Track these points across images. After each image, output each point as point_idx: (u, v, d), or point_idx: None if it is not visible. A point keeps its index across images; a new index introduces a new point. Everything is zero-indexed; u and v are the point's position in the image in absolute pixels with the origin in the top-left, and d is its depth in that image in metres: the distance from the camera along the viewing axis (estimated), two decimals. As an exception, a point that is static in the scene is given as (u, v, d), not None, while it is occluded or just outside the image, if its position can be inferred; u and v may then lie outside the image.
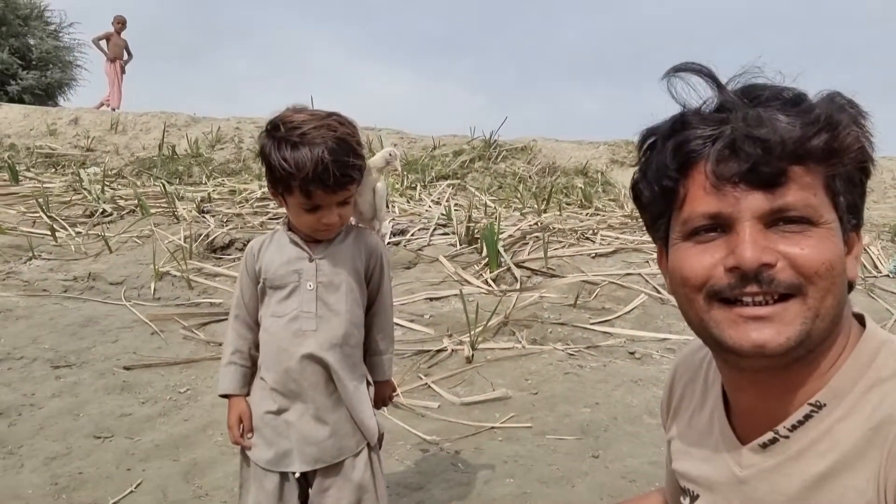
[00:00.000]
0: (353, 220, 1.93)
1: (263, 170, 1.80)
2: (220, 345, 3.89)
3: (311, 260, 1.81)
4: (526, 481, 2.62)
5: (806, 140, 0.82)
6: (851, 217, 0.87)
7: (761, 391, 0.92)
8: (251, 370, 1.88)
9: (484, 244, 4.88)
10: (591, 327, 3.98)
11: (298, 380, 1.77)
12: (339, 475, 1.80)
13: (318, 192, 1.67)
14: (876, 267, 4.82)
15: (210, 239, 5.11)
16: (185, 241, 4.97)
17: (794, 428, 0.89)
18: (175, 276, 4.58)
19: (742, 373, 0.93)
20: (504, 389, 3.30)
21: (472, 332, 3.73)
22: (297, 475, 1.80)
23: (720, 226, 0.84)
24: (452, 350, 3.70)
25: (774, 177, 0.81)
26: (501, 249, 4.77)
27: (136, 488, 2.52)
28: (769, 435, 0.91)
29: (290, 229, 1.85)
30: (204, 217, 5.69)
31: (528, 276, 4.67)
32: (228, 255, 4.98)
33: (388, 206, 1.95)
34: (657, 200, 0.89)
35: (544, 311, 4.18)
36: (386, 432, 1.92)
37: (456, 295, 4.32)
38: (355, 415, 1.80)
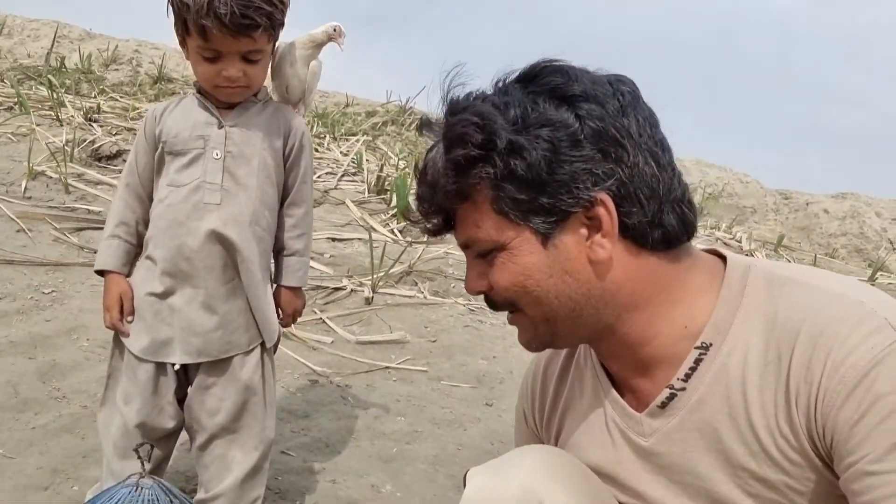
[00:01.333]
0: (275, 97, 1.74)
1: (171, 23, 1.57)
2: (96, 252, 3.56)
3: (220, 126, 1.60)
4: (417, 420, 2.52)
5: (439, 192, 0.86)
6: (546, 217, 0.82)
7: (627, 358, 0.89)
8: (136, 250, 1.65)
9: (394, 195, 4.72)
10: (494, 287, 3.92)
11: (192, 259, 1.56)
12: (225, 374, 1.61)
13: (215, 34, 1.46)
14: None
15: (96, 146, 4.66)
16: (66, 145, 4.51)
17: (687, 377, 0.83)
18: (52, 177, 4.13)
19: (597, 345, 0.93)
20: (402, 333, 3.17)
21: (375, 276, 3.57)
22: (177, 367, 1.60)
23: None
24: (352, 290, 3.53)
25: (437, 231, 0.92)
26: (412, 202, 4.63)
27: (-20, 381, 2.21)
28: (665, 392, 0.85)
29: (199, 93, 1.64)
30: (91, 125, 5.19)
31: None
32: (114, 165, 4.55)
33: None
34: (434, 230, 0.97)
35: (449, 266, 4.08)
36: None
37: (360, 239, 4.15)
38: (257, 307, 1.61)
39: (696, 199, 5.06)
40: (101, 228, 3.66)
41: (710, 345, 0.81)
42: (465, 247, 0.90)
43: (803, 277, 0.81)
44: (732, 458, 0.79)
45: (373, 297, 3.46)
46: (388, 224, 4.50)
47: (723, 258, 0.88)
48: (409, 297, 3.61)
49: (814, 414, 0.73)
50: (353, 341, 3.06)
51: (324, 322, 3.18)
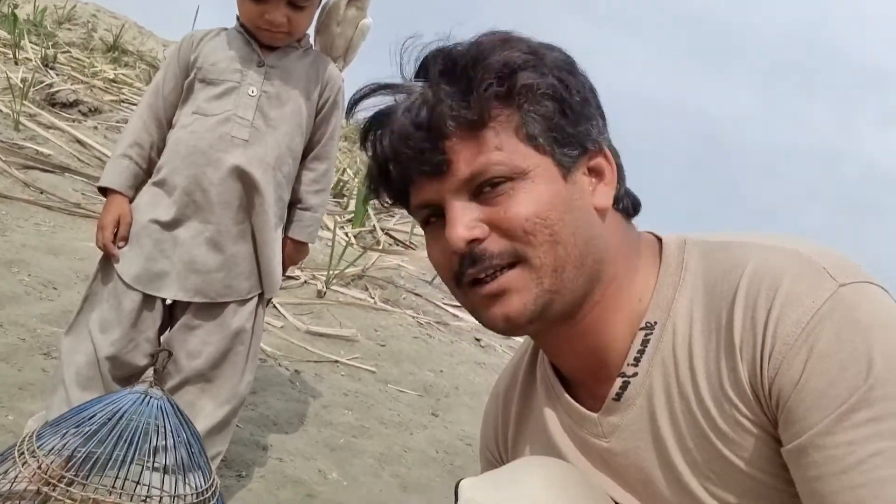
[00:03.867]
0: (317, 47, 1.70)
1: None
2: (42, 192, 3.34)
3: (260, 65, 1.55)
4: (365, 417, 2.45)
5: (461, 109, 0.76)
6: (570, 149, 0.79)
7: (579, 348, 0.83)
8: (144, 175, 1.57)
9: (352, 200, 4.68)
10: (443, 306, 3.90)
11: (209, 191, 1.48)
12: (216, 318, 1.53)
13: None
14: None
15: (53, 91, 4.42)
16: (21, 82, 4.26)
17: (637, 361, 0.79)
18: (2, 111, 3.89)
19: (543, 338, 0.86)
20: (353, 331, 3.10)
21: (329, 272, 3.50)
22: (168, 303, 1.51)
23: (438, 210, 0.80)
24: (305, 281, 3.44)
25: (439, 160, 0.77)
26: (371, 210, 4.58)
27: None
28: (618, 382, 0.80)
29: (242, 26, 1.59)
30: (48, 71, 4.94)
31: (391, 244, 4.52)
32: (70, 114, 4.33)
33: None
34: (391, 200, 0.85)
35: (401, 278, 4.05)
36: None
37: (319, 236, 4.07)
38: (264, 253, 1.54)
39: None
40: (50, 171, 3.49)
41: (655, 323, 0.78)
42: (467, 181, 0.76)
43: (737, 238, 0.78)
44: (687, 440, 0.75)
45: (325, 292, 3.39)
46: (343, 227, 4.44)
47: (657, 238, 0.86)
48: (361, 299, 3.55)
49: (758, 373, 0.69)
50: (303, 330, 2.97)
51: (274, 306, 3.08)
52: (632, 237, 0.83)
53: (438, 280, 4.18)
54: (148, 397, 0.97)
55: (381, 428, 2.42)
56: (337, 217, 4.62)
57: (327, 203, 1.70)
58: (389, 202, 0.85)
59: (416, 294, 3.91)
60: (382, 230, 4.54)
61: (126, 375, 1.52)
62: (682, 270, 0.79)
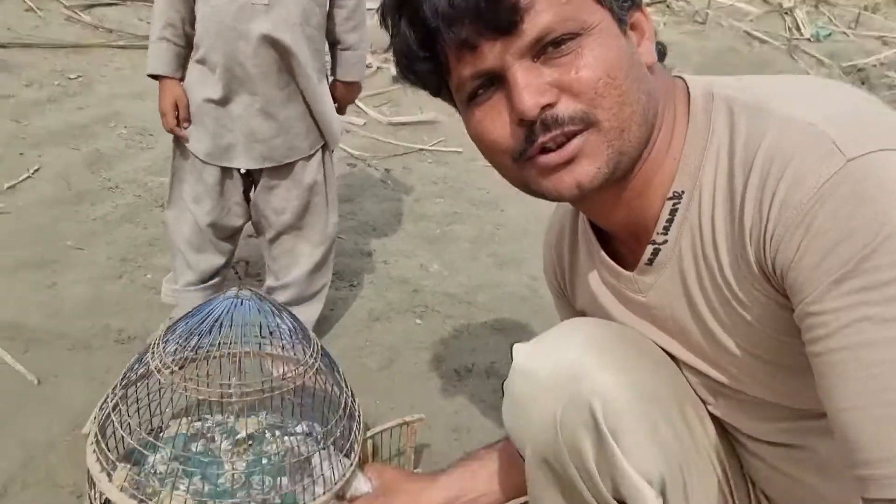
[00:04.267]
0: None
1: None
2: (112, 31, 3.42)
3: None
4: (457, 202, 2.60)
5: None
6: (623, 1, 0.75)
7: (617, 210, 0.84)
8: (186, 51, 1.60)
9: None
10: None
11: (245, 64, 1.51)
12: (289, 176, 1.64)
13: None
14: (799, 29, 4.84)
15: None
16: None
17: (666, 229, 0.81)
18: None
19: (587, 203, 0.85)
20: (433, 113, 3.15)
21: (400, 50, 3.46)
22: (243, 171, 1.63)
23: (493, 80, 0.76)
24: (378, 67, 3.44)
25: (510, 14, 0.71)
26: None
27: (33, 174, 2.27)
28: (650, 249, 0.83)
29: None
30: None
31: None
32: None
33: None
34: (424, 79, 0.80)
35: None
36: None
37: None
38: (317, 110, 1.60)
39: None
40: (113, 3, 3.52)
41: (682, 192, 0.80)
42: (535, 41, 0.73)
43: (756, 101, 0.76)
44: (714, 302, 0.80)
45: (400, 75, 3.39)
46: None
47: (685, 84, 0.83)
48: (437, 72, 3.53)
49: (763, 250, 0.71)
50: (385, 123, 3.05)
51: (353, 103, 3.15)
52: (669, 89, 0.82)
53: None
54: (240, 299, 1.12)
55: (472, 209, 2.57)
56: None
57: (368, 36, 1.68)
58: (419, 82, 0.81)
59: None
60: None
61: (228, 235, 1.72)
62: (709, 133, 0.78)
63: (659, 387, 0.89)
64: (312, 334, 1.24)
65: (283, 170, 1.62)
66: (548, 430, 0.88)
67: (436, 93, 0.83)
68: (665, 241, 0.82)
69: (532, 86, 0.73)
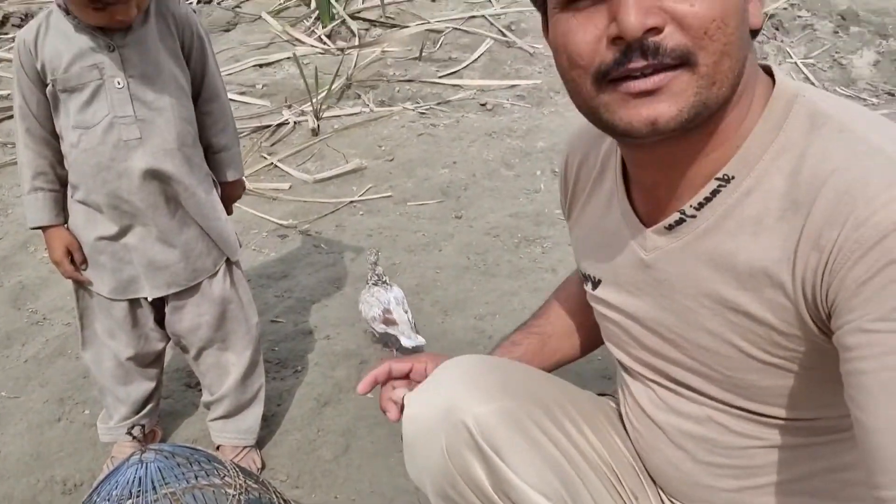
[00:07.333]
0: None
1: None
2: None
3: (111, 49, 1.43)
4: (394, 251, 2.57)
5: None
6: None
7: (665, 167, 0.81)
8: (62, 192, 1.55)
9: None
10: (440, 81, 3.77)
11: (132, 201, 1.48)
12: (197, 294, 1.61)
13: None
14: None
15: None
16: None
17: (700, 206, 0.80)
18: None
19: (642, 150, 0.82)
20: (358, 160, 3.11)
21: (315, 100, 3.41)
22: (150, 299, 1.59)
23: None
24: (295, 122, 3.40)
25: None
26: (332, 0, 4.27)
27: (-44, 324, 2.21)
28: (675, 216, 0.82)
29: (67, 12, 1.43)
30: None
31: (367, 29, 4.28)
32: (4, 33, 4.13)
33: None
34: None
35: (388, 67, 3.89)
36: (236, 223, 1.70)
37: (289, 58, 3.90)
38: (211, 229, 1.57)
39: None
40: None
41: (732, 178, 0.77)
42: None
43: (844, 119, 0.74)
44: (724, 290, 0.79)
45: (318, 126, 3.35)
46: (313, 32, 4.20)
47: (772, 76, 0.81)
48: (356, 113, 3.49)
49: (822, 269, 0.69)
50: (310, 181, 3.01)
51: (276, 167, 3.11)
52: (753, 73, 0.79)
53: (427, 51, 3.99)
54: (144, 464, 1.09)
55: (410, 257, 2.54)
56: (305, 21, 4.37)
57: (237, 133, 1.65)
58: None
59: (409, 80, 3.78)
60: (352, 16, 4.26)
61: (152, 360, 1.69)
62: (780, 131, 0.76)
63: (532, 404, 0.93)
64: (234, 465, 1.21)
65: (189, 290, 1.59)
66: (438, 461, 0.91)
67: None
68: (694, 217, 0.81)
69: (641, 4, 0.68)
